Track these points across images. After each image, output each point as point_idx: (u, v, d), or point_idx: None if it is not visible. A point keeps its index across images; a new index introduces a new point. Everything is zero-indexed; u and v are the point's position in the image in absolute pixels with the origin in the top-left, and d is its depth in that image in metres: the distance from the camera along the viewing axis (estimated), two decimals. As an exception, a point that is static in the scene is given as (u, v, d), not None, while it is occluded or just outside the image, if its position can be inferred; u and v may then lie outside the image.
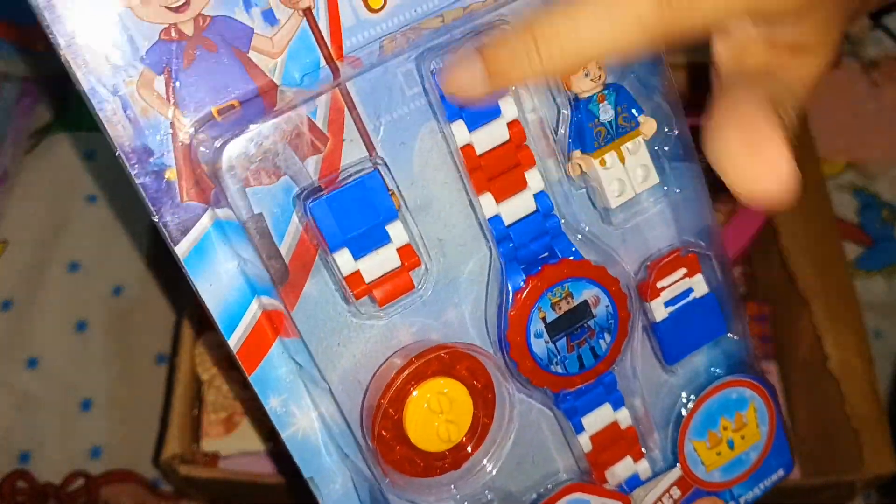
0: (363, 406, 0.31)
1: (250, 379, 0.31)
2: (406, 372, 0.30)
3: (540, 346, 0.32)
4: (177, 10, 0.27)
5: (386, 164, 0.29)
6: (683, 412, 0.36)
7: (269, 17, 0.28)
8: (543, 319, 0.32)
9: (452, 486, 0.33)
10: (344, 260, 0.29)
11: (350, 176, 0.28)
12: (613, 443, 0.35)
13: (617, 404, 0.35)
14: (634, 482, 0.36)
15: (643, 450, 0.36)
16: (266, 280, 0.29)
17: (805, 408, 0.60)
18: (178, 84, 0.27)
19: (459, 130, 0.29)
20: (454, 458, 0.32)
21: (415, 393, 0.30)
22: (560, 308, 0.32)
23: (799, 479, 0.58)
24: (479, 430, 0.32)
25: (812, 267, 0.59)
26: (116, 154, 0.27)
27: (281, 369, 0.31)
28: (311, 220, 0.28)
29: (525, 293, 0.31)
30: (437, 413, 0.31)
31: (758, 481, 0.38)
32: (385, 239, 0.29)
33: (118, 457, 0.60)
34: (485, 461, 0.33)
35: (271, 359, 0.31)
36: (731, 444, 0.37)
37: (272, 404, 0.31)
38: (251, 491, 0.53)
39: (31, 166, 0.68)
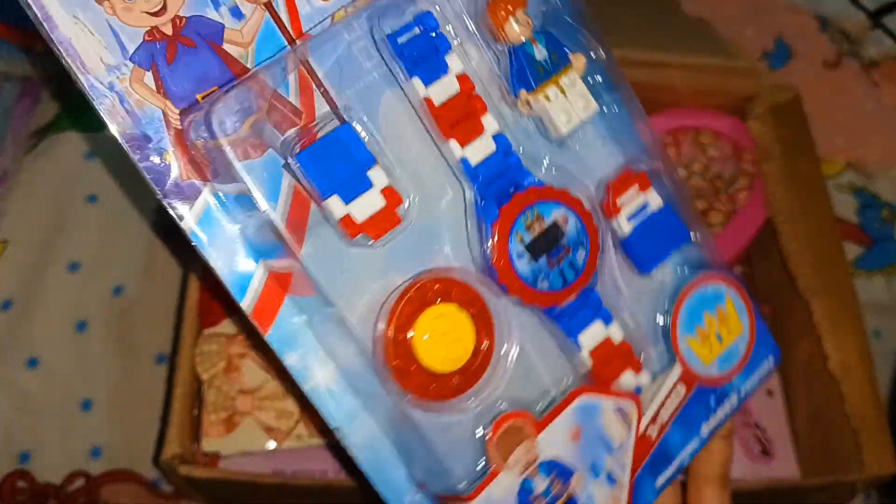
0: (374, 338, 0.34)
1: (266, 338, 0.33)
2: (406, 300, 0.33)
3: (523, 266, 0.35)
4: (156, 14, 0.31)
5: (362, 122, 0.33)
6: (669, 312, 0.39)
7: (237, 12, 0.32)
8: (521, 241, 0.35)
9: (468, 401, 0.35)
10: (335, 205, 0.32)
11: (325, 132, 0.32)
12: (611, 358, 0.38)
13: (607, 320, 0.38)
14: (640, 393, 0.39)
15: (641, 362, 0.39)
16: (269, 240, 0.32)
17: (805, 408, 0.60)
18: (165, 77, 0.31)
19: (418, 85, 0.33)
20: (465, 376, 0.35)
21: (419, 319, 0.33)
22: (534, 230, 0.35)
23: (799, 479, 0.58)
24: (483, 347, 0.35)
25: (812, 267, 0.59)
26: (120, 143, 0.31)
27: (294, 326, 0.33)
28: (301, 171, 0.31)
29: (500, 221, 0.35)
30: (442, 335, 0.34)
31: (751, 371, 0.41)
32: (368, 183, 0.33)
33: (118, 457, 0.60)
34: (493, 375, 0.35)
35: (283, 317, 0.33)
36: (719, 337, 0.39)
37: (290, 360, 0.34)
38: (251, 491, 0.53)
39: (32, 166, 0.68)
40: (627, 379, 0.38)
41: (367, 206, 0.33)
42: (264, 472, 0.54)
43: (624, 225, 0.38)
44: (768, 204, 0.62)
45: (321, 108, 0.33)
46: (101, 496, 0.59)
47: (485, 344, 0.35)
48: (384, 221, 0.33)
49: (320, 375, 0.34)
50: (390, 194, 0.33)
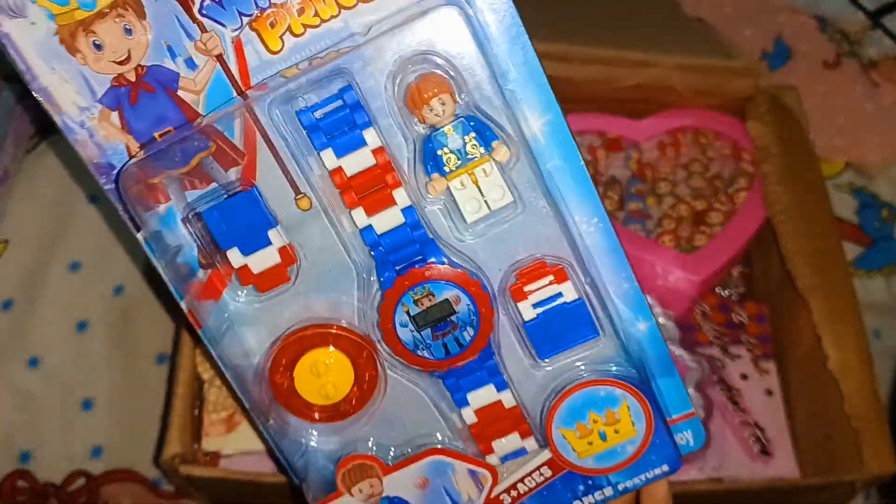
0: (261, 366, 0.40)
1: (200, 332, 0.40)
2: (295, 341, 0.39)
3: (406, 334, 0.39)
4: (121, 63, 0.36)
5: (288, 174, 0.37)
6: (550, 402, 0.41)
7: (191, 63, 0.36)
8: (407, 313, 0.38)
9: (332, 433, 0.41)
10: (234, 256, 0.38)
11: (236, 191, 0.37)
12: (499, 419, 0.41)
13: (500, 386, 0.40)
14: (522, 456, 0.42)
15: (530, 428, 0.41)
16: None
17: (805, 408, 0.60)
18: (128, 117, 0.37)
19: (328, 157, 0.36)
20: (335, 412, 0.40)
21: (304, 357, 0.39)
22: (422, 304, 0.38)
23: (799, 479, 0.58)
24: (359, 390, 0.40)
25: (811, 267, 0.59)
26: (89, 169, 0.38)
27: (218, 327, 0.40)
28: (203, 224, 0.37)
29: (391, 290, 0.38)
30: (319, 376, 0.40)
31: (637, 472, 0.42)
32: (267, 240, 0.38)
33: (119, 456, 0.60)
34: (363, 416, 0.41)
35: (210, 320, 0.40)
36: (602, 436, 0.41)
37: (218, 352, 0.40)
38: (252, 490, 0.53)
39: (32, 166, 0.69)
40: (512, 440, 0.41)
41: (263, 259, 0.38)
42: (265, 471, 0.54)
43: (527, 311, 0.39)
44: (768, 204, 0.62)
45: (262, 152, 0.37)
46: (102, 496, 0.59)
47: (361, 388, 0.40)
48: (275, 277, 0.38)
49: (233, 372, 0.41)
50: (285, 254, 0.38)
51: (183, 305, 0.39)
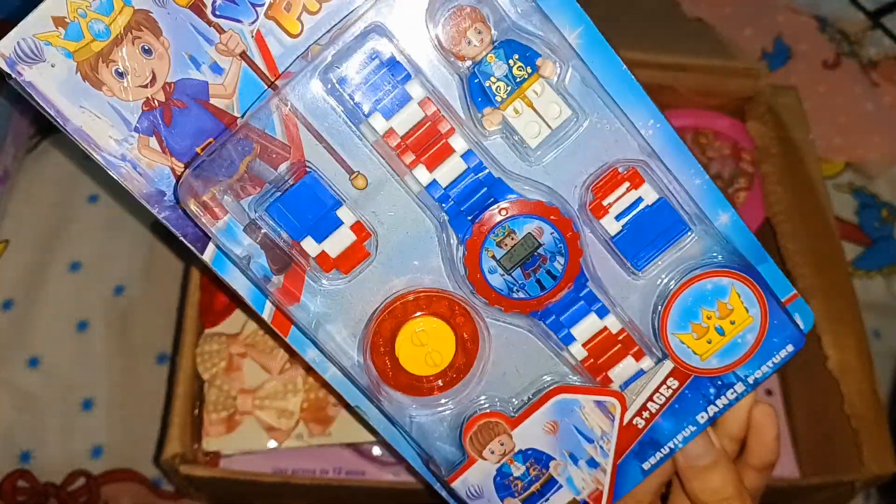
0: (361, 350, 0.39)
1: (288, 340, 0.39)
2: (388, 315, 0.38)
3: (497, 280, 0.38)
4: (147, 85, 0.35)
5: (338, 156, 0.36)
6: (658, 311, 0.39)
7: (216, 68, 0.35)
8: (493, 258, 0.37)
9: (451, 398, 0.40)
10: (310, 245, 0.36)
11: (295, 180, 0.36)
12: (609, 346, 0.39)
13: (602, 313, 0.39)
14: (641, 376, 0.40)
15: (643, 349, 0.40)
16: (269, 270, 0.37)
17: (804, 408, 0.60)
18: (167, 139, 0.36)
19: (377, 122, 0.35)
20: (445, 378, 0.39)
21: (401, 334, 0.38)
22: (506, 245, 0.37)
23: (798, 479, 0.58)
24: (464, 353, 0.39)
25: (811, 267, 0.59)
26: (141, 202, 0.37)
27: (307, 330, 0.39)
28: (273, 222, 0.36)
29: (471, 240, 0.37)
30: (421, 346, 0.38)
31: (764, 359, 0.40)
32: (338, 221, 0.36)
33: (119, 456, 0.60)
34: (472, 378, 0.40)
35: (296, 326, 0.39)
36: (720, 331, 0.39)
37: (310, 356, 0.40)
38: (252, 490, 0.53)
39: (32, 166, 0.69)
40: (628, 364, 0.40)
41: (338, 241, 0.37)
42: (265, 471, 0.54)
43: (612, 225, 0.38)
44: (767, 204, 0.63)
45: (306, 139, 0.36)
46: (102, 496, 0.59)
47: (465, 350, 0.39)
48: (355, 256, 0.37)
49: (334, 369, 0.40)
50: (359, 230, 0.37)
51: (265, 316, 0.39)
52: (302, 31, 0.35)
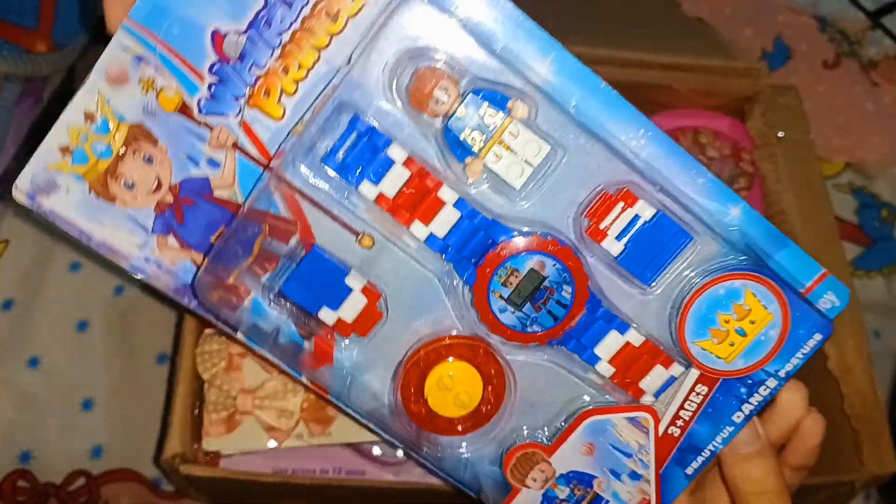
0: (392, 408, 0.40)
1: (330, 398, 0.41)
2: (411, 365, 0.39)
3: (509, 317, 0.38)
4: (155, 191, 0.38)
5: (341, 221, 0.38)
6: (674, 322, 0.39)
7: (213, 163, 0.38)
8: (501, 297, 0.38)
9: (488, 434, 0.41)
10: (326, 315, 0.38)
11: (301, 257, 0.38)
12: (635, 359, 0.39)
13: (622, 329, 0.39)
14: (673, 382, 0.41)
15: (670, 356, 0.40)
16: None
17: (804, 407, 0.60)
18: (183, 235, 0.39)
19: (366, 189, 0.36)
20: (478, 417, 0.40)
21: (427, 379, 0.39)
22: (511, 283, 0.38)
23: (798, 479, 0.58)
24: (490, 391, 0.40)
25: (811, 267, 0.59)
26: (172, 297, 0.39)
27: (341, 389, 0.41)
28: (290, 299, 0.38)
29: (477, 284, 0.38)
30: (449, 390, 0.39)
31: (792, 352, 0.40)
32: (348, 289, 0.38)
33: (119, 456, 0.60)
34: (503, 413, 0.41)
35: (330, 386, 0.41)
36: (741, 332, 0.39)
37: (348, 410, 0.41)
38: (252, 490, 0.53)
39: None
40: (658, 373, 0.40)
41: (353, 307, 0.38)
42: (265, 471, 0.54)
43: (614, 246, 0.38)
44: (768, 204, 0.63)
45: (309, 210, 0.37)
46: (102, 495, 0.59)
47: (492, 387, 0.40)
48: (370, 317, 0.39)
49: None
50: (369, 292, 0.38)
51: (304, 381, 0.40)
52: (285, 112, 0.37)
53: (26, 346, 0.62)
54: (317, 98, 0.37)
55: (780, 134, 0.65)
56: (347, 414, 0.42)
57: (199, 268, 0.39)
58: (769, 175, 0.63)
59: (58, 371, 0.62)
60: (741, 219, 0.38)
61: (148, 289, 0.65)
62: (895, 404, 0.64)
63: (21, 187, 0.37)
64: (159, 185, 0.38)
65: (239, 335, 0.39)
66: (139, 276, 0.39)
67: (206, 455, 0.54)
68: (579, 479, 0.41)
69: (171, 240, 0.39)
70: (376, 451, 0.55)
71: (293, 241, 0.38)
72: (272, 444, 0.53)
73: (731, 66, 0.66)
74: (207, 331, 0.55)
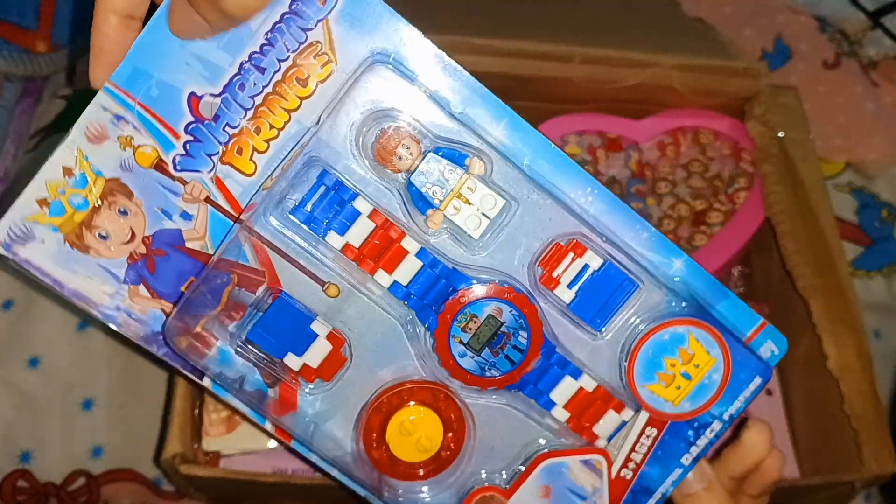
0: (355, 454, 0.41)
1: (293, 445, 0.42)
2: (373, 410, 0.41)
3: (468, 362, 0.40)
4: (128, 242, 0.39)
5: (307, 271, 0.39)
6: (623, 367, 0.41)
7: (186, 215, 0.40)
8: (460, 342, 0.40)
9: (446, 480, 0.42)
10: (292, 360, 0.40)
11: (270, 301, 0.39)
12: (589, 404, 0.41)
13: (575, 374, 0.41)
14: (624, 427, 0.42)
15: (621, 401, 0.42)
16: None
17: (804, 407, 0.60)
18: (153, 285, 0.40)
19: (333, 240, 0.38)
20: (438, 462, 0.41)
21: (389, 425, 0.41)
22: (470, 329, 0.40)
23: (798, 479, 0.58)
24: (451, 436, 0.41)
25: (811, 267, 0.59)
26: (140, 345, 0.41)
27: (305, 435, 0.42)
28: (256, 346, 0.39)
29: (438, 330, 0.39)
30: (410, 435, 0.41)
31: (734, 396, 0.42)
32: (314, 335, 0.39)
33: (119, 456, 0.60)
34: (462, 458, 0.42)
35: (294, 435, 0.42)
36: (686, 376, 0.41)
37: (314, 458, 0.42)
38: (252, 490, 0.53)
39: (32, 166, 0.68)
40: (610, 418, 0.41)
41: (317, 352, 0.40)
42: (265, 470, 0.54)
43: (565, 294, 0.40)
44: (767, 204, 0.63)
45: (277, 261, 0.39)
46: (102, 495, 0.59)
47: (452, 432, 0.41)
48: (334, 363, 0.40)
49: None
50: (334, 338, 0.40)
51: (268, 427, 0.42)
52: (256, 169, 0.39)
53: (26, 346, 0.62)
54: (287, 155, 0.39)
55: (781, 134, 0.65)
56: (309, 462, 0.43)
57: (168, 316, 0.40)
58: (769, 175, 0.63)
59: (58, 371, 0.62)
60: (684, 270, 0.41)
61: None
62: (895, 404, 0.64)
63: None
64: (133, 237, 0.39)
65: (205, 382, 0.41)
66: (110, 325, 0.40)
67: (206, 455, 0.54)
68: None
69: (142, 289, 0.40)
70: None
71: (260, 290, 0.39)
72: (272, 444, 0.53)
73: (731, 66, 0.66)
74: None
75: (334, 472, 0.42)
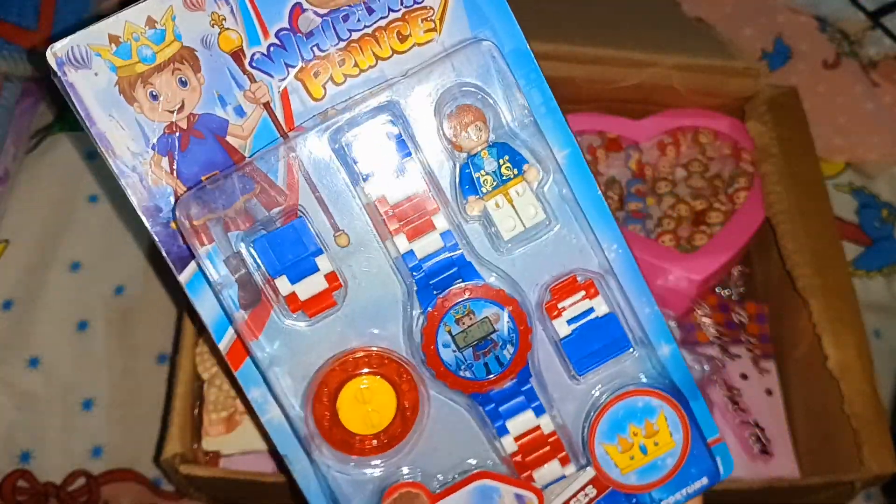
0: (305, 398, 0.40)
1: (236, 374, 0.40)
2: (338, 367, 0.40)
3: (448, 354, 0.40)
4: (174, 112, 0.38)
5: (328, 211, 0.39)
6: (590, 417, 0.41)
7: (239, 111, 0.39)
8: (449, 332, 0.39)
9: (377, 461, 0.41)
10: (283, 284, 0.39)
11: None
12: (538, 446, 0.41)
13: (538, 411, 0.41)
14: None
15: (569, 455, 0.42)
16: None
17: (804, 407, 0.60)
18: (178, 163, 0.39)
19: (372, 187, 0.39)
20: (380, 441, 0.40)
21: (346, 387, 0.39)
22: (463, 323, 0.39)
23: (798, 479, 0.58)
24: (402, 418, 0.40)
25: (811, 267, 0.59)
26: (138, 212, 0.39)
27: (257, 368, 0.40)
28: (254, 253, 0.39)
29: (433, 311, 0.39)
30: (363, 403, 0.40)
31: (678, 487, 0.42)
32: (314, 267, 0.39)
33: (119, 456, 0.60)
34: (408, 443, 0.41)
35: (249, 361, 0.40)
36: (643, 450, 0.41)
37: (253, 395, 0.41)
38: (252, 490, 0.53)
39: (33, 166, 0.69)
40: (551, 468, 0.41)
41: (310, 286, 0.39)
42: (265, 470, 0.54)
43: (562, 328, 0.40)
44: (767, 204, 0.63)
45: (304, 190, 0.39)
46: (102, 495, 0.59)
47: (403, 416, 0.40)
48: (322, 303, 0.39)
49: (274, 412, 0.41)
50: (332, 279, 0.39)
51: (221, 347, 0.40)
52: (324, 96, 0.39)
53: (26, 346, 0.62)
54: (358, 93, 0.39)
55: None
56: (245, 398, 0.41)
57: (177, 197, 0.39)
58: (769, 175, 0.63)
59: (58, 371, 0.62)
60: (669, 358, 0.42)
61: (148, 289, 0.65)
62: (895, 404, 0.64)
63: (55, 52, 0.37)
64: (181, 109, 0.38)
65: (181, 277, 0.40)
66: (120, 180, 0.39)
67: (206, 455, 0.54)
68: None
69: (165, 162, 0.39)
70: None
71: (276, 210, 0.39)
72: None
73: (731, 66, 0.66)
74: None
75: (265, 418, 0.41)
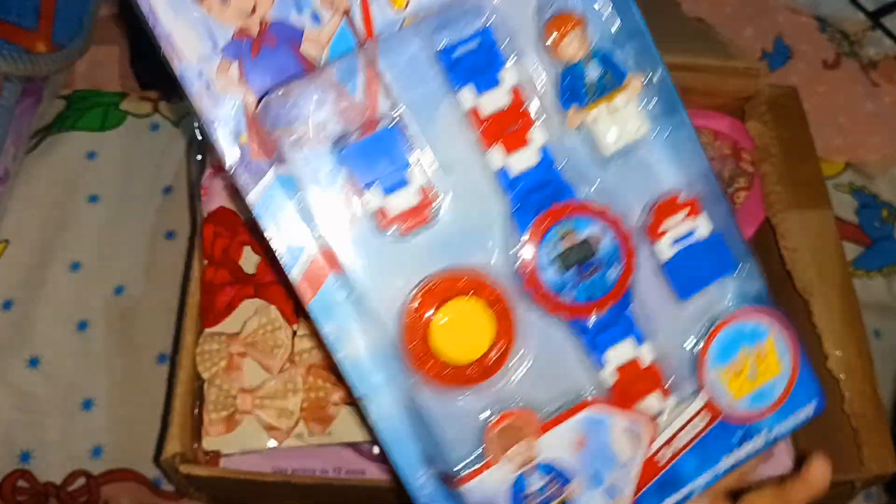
0: (399, 323, 0.36)
1: (308, 307, 0.37)
2: (431, 288, 0.36)
3: (550, 275, 0.37)
4: (246, 16, 0.36)
5: (416, 123, 0.36)
6: (701, 341, 0.39)
7: (316, 18, 0.36)
8: (551, 252, 0.37)
9: (479, 393, 0.38)
10: (373, 196, 0.36)
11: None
12: (637, 379, 0.39)
13: (639, 340, 0.39)
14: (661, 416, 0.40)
15: (671, 387, 0.39)
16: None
17: (804, 407, 0.60)
18: (248, 70, 0.36)
19: (467, 96, 0.36)
20: (479, 369, 0.37)
21: (440, 311, 0.36)
22: (566, 242, 0.37)
23: (798, 479, 0.58)
24: (500, 346, 0.37)
25: (811, 267, 0.59)
26: (197, 125, 0.35)
27: (334, 299, 0.37)
28: (346, 164, 0.35)
29: (532, 230, 0.36)
30: (461, 327, 0.36)
31: (787, 414, 0.40)
32: (406, 180, 0.36)
33: (119, 456, 0.60)
34: (506, 374, 0.38)
35: (325, 290, 0.37)
36: (752, 375, 0.39)
37: (327, 329, 0.37)
38: (252, 490, 0.53)
39: (33, 166, 0.69)
40: (651, 401, 0.39)
41: (402, 201, 0.36)
42: (265, 470, 0.54)
43: (666, 249, 0.38)
44: (767, 204, 0.62)
45: (384, 106, 0.36)
46: (102, 495, 0.59)
47: (501, 343, 0.37)
48: (415, 218, 0.36)
49: (351, 347, 0.37)
50: (425, 193, 0.36)
51: (293, 276, 0.36)
52: (407, 6, 0.36)
53: (26, 346, 0.62)
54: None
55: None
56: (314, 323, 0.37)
57: (247, 111, 0.36)
58: (769, 175, 0.63)
59: (58, 371, 0.62)
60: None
61: (149, 289, 0.65)
62: (895, 404, 0.64)
63: None
64: (253, 12, 0.36)
65: (251, 196, 0.36)
66: (183, 86, 0.36)
67: (206, 455, 0.54)
68: (558, 475, 0.38)
69: (234, 68, 0.36)
70: (376, 450, 0.55)
71: (356, 124, 0.36)
72: (272, 443, 0.53)
73: (731, 66, 0.66)
74: (207, 330, 0.55)
75: (340, 354, 0.37)
